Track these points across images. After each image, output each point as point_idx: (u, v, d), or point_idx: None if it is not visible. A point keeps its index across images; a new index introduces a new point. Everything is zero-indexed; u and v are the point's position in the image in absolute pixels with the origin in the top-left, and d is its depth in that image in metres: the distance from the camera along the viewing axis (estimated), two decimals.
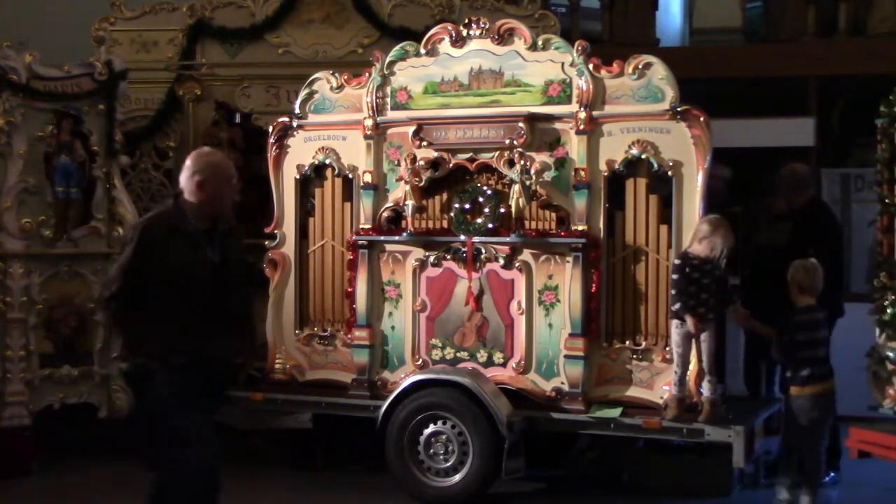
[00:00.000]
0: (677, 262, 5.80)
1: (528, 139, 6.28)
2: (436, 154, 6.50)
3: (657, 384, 6.06)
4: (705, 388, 5.82)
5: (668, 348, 6.03)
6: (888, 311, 5.66)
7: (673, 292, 5.80)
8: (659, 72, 6.12)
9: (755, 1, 9.98)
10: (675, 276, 5.78)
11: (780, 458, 6.12)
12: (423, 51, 6.61)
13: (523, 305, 6.33)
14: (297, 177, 6.92)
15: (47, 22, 9.60)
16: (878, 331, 5.77)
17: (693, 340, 5.80)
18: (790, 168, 6.98)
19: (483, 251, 6.42)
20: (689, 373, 5.90)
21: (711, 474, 6.35)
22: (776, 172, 7.06)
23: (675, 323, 5.85)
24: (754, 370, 7.02)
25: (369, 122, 6.68)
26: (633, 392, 6.13)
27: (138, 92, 8.09)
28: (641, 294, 6.15)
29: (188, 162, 4.77)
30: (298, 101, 6.93)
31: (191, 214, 4.70)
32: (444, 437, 6.24)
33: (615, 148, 6.17)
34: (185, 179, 4.73)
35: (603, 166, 6.20)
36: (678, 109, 6.03)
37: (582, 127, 6.20)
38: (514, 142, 6.28)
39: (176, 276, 4.59)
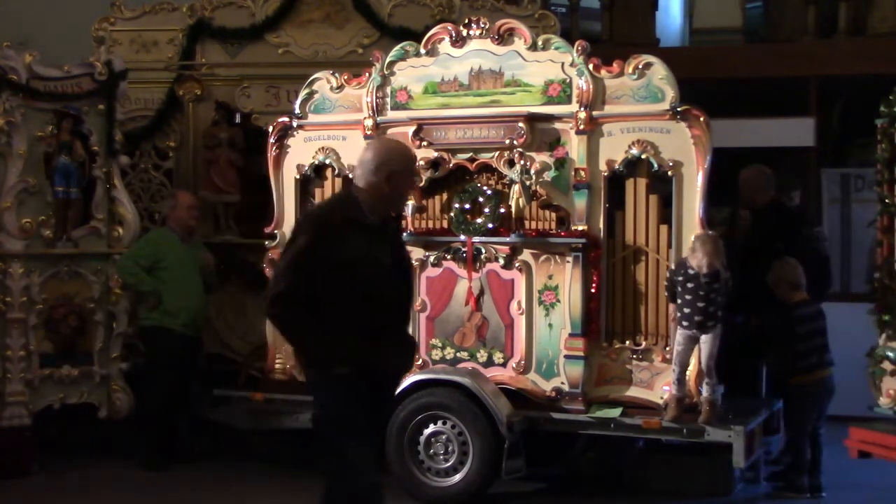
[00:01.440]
0: (670, 266, 5.94)
1: (528, 139, 6.28)
2: (436, 154, 6.50)
3: (657, 384, 6.06)
4: (704, 390, 5.83)
5: (668, 348, 6.04)
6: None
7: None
8: (659, 72, 6.12)
9: (755, 1, 9.98)
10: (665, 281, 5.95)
11: (788, 451, 6.28)
12: (423, 51, 6.61)
13: (523, 305, 6.33)
14: (297, 177, 6.92)
15: (47, 22, 9.60)
16: (878, 331, 5.78)
17: (696, 343, 5.82)
18: (751, 169, 7.01)
19: (483, 251, 6.42)
20: (688, 373, 5.91)
21: (711, 474, 6.35)
22: (777, 172, 7.08)
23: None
24: (751, 370, 7.02)
25: (369, 122, 6.68)
26: (633, 392, 6.13)
27: (138, 92, 8.08)
28: (641, 294, 6.15)
29: (371, 152, 4.27)
30: (298, 101, 6.93)
31: (366, 208, 4.20)
32: (444, 437, 6.24)
33: (615, 148, 6.17)
34: (366, 171, 4.21)
35: (603, 166, 6.20)
36: (678, 109, 6.03)
37: (582, 127, 6.20)
38: (514, 142, 6.28)
39: (351, 276, 4.09)
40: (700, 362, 5.85)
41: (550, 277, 6.29)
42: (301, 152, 6.91)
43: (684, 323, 5.83)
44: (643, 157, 6.10)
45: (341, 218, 4.17)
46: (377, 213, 4.22)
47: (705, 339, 5.80)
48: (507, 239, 6.31)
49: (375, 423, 4.37)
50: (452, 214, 6.47)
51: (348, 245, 4.09)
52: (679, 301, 5.84)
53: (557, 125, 6.29)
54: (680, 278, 5.82)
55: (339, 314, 4.09)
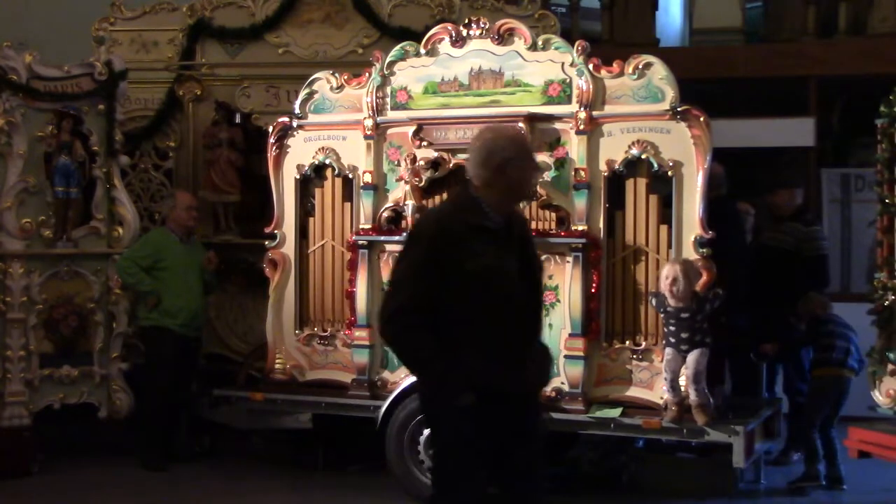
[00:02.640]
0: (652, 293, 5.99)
1: (528, 139, 6.27)
2: (436, 154, 6.50)
3: (657, 384, 6.06)
4: (693, 395, 5.80)
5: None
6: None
7: None
8: (659, 72, 6.12)
9: (755, 1, 9.98)
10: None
11: (801, 442, 6.55)
12: (423, 51, 6.61)
13: None
14: (297, 177, 6.92)
15: (47, 22, 9.60)
16: (878, 331, 5.78)
17: (683, 357, 5.85)
18: None
19: None
20: (682, 378, 5.89)
21: (711, 474, 6.35)
22: (778, 173, 7.08)
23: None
24: (751, 371, 7.02)
25: (369, 122, 6.68)
26: (633, 392, 6.13)
27: (138, 92, 8.08)
28: (641, 294, 6.14)
29: (477, 144, 3.89)
30: (298, 101, 6.93)
31: (487, 207, 3.79)
32: None
33: (615, 148, 6.17)
34: (476, 165, 3.82)
35: (603, 166, 6.19)
36: (678, 109, 6.03)
37: (582, 127, 6.20)
38: None
39: (476, 289, 3.66)
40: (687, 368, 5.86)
41: (550, 277, 6.28)
42: (301, 152, 6.91)
43: (671, 340, 5.86)
44: (643, 157, 6.09)
45: (461, 223, 3.73)
46: (501, 211, 3.80)
47: (692, 356, 5.81)
48: None
49: (510, 459, 3.87)
50: None
51: (471, 253, 3.66)
52: (664, 328, 5.90)
53: (557, 125, 6.29)
54: (661, 312, 5.89)
55: (461, 332, 3.66)
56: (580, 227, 6.18)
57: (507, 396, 3.71)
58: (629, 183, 6.18)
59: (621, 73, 6.19)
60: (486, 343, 3.68)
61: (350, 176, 6.78)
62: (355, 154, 6.76)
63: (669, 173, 6.04)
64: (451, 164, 6.48)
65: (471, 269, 3.65)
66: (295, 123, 6.91)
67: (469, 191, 3.82)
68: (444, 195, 6.54)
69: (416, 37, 6.88)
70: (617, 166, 6.16)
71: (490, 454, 3.77)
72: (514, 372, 3.73)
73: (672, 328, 5.84)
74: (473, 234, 3.70)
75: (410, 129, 6.54)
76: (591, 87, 6.20)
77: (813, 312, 6.62)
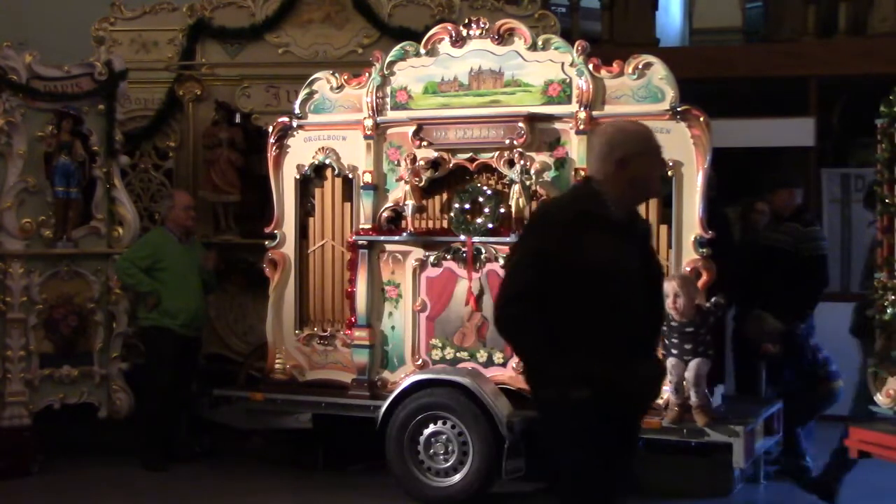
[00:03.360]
0: None
1: (528, 139, 6.28)
2: (436, 154, 6.50)
3: None
4: (693, 397, 5.79)
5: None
6: (888, 311, 5.66)
7: None
8: (659, 72, 6.12)
9: (755, 1, 9.98)
10: None
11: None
12: (423, 51, 6.61)
13: None
14: (297, 177, 6.92)
15: (47, 22, 9.60)
16: (878, 331, 5.77)
17: (685, 364, 5.83)
18: None
19: (483, 251, 6.42)
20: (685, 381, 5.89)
21: (711, 474, 6.34)
22: (776, 172, 7.07)
23: None
24: (750, 371, 7.02)
25: (369, 122, 6.68)
26: None
27: (138, 92, 8.08)
28: None
29: (600, 137, 3.75)
30: (298, 101, 6.93)
31: (609, 202, 3.62)
32: (444, 437, 6.24)
33: None
34: (598, 159, 3.67)
35: None
36: (678, 109, 6.03)
37: (582, 127, 6.20)
38: (514, 142, 6.28)
39: (593, 283, 3.49)
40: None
41: None
42: (301, 152, 6.91)
43: (674, 351, 5.82)
44: None
45: (580, 215, 3.56)
46: (622, 207, 3.62)
47: (694, 362, 5.79)
48: (507, 239, 6.31)
49: (620, 461, 3.67)
50: (452, 214, 6.47)
51: (589, 247, 3.49)
52: (666, 339, 5.83)
53: (557, 125, 6.30)
54: (665, 326, 5.73)
55: (576, 327, 3.48)
56: None
57: (619, 398, 3.51)
58: None
59: (621, 73, 6.19)
60: (599, 341, 3.49)
61: (350, 176, 6.78)
62: (355, 154, 6.76)
63: (669, 173, 6.04)
64: (451, 164, 6.49)
65: (585, 262, 3.48)
66: (295, 123, 6.91)
67: (591, 184, 3.66)
68: (445, 195, 6.55)
69: (416, 37, 6.88)
70: None
71: (609, 454, 3.57)
72: (627, 373, 3.52)
73: (675, 340, 5.81)
74: (593, 227, 3.53)
75: (410, 129, 6.54)
76: (591, 87, 6.20)
77: (759, 334, 6.65)
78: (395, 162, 6.63)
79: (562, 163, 6.28)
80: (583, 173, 6.14)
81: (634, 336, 3.58)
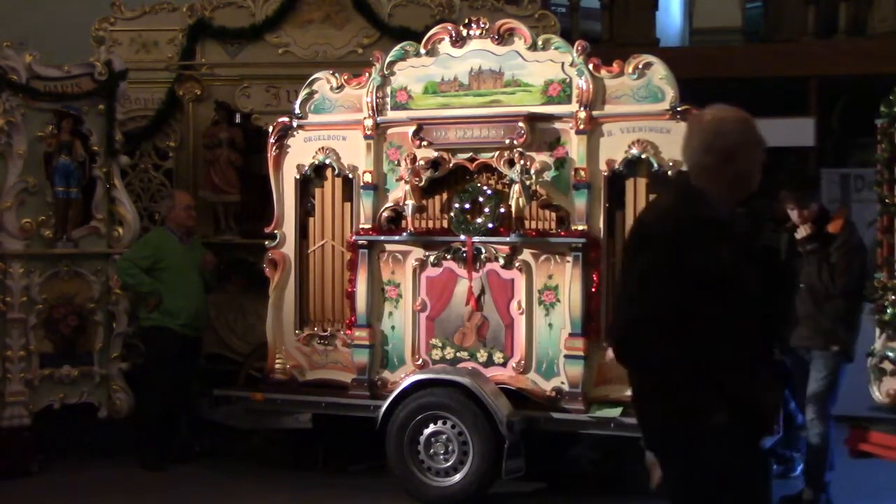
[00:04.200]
0: None
1: (528, 139, 6.28)
2: (436, 154, 6.50)
3: None
4: None
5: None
6: (888, 311, 5.66)
7: None
8: (659, 72, 6.12)
9: (755, 1, 9.99)
10: None
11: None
12: (423, 51, 6.61)
13: (523, 305, 6.33)
14: (297, 177, 6.92)
15: (47, 22, 9.60)
16: (878, 331, 5.78)
17: None
18: None
19: (483, 251, 6.42)
20: None
21: None
22: (776, 172, 7.05)
23: None
24: None
25: (369, 122, 6.68)
26: None
27: (138, 92, 8.08)
28: None
29: (696, 128, 3.40)
30: (298, 101, 6.93)
31: (714, 201, 3.26)
32: (444, 436, 6.24)
33: (615, 148, 6.18)
34: (697, 151, 3.30)
35: (603, 166, 6.20)
36: (678, 109, 6.04)
37: (582, 127, 6.20)
38: (514, 142, 6.28)
39: (720, 294, 3.15)
40: None
41: (550, 277, 6.29)
42: (301, 152, 6.90)
43: None
44: (643, 156, 6.10)
45: (692, 218, 3.19)
46: (726, 205, 3.28)
47: None
48: (507, 239, 6.31)
49: (761, 482, 3.38)
50: (452, 214, 6.47)
51: (710, 253, 3.15)
52: None
53: (557, 125, 6.30)
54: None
55: (706, 346, 3.14)
56: (580, 227, 6.18)
57: (757, 419, 3.22)
58: (629, 183, 6.19)
59: (621, 73, 6.19)
60: (731, 358, 3.17)
61: (350, 176, 6.78)
62: (355, 154, 6.76)
63: (669, 173, 6.04)
64: (451, 164, 6.49)
65: (710, 271, 3.14)
66: (295, 123, 6.91)
67: (689, 182, 3.28)
68: (445, 195, 6.55)
69: (416, 37, 6.88)
70: (617, 166, 6.17)
71: (747, 483, 3.25)
72: (764, 388, 3.25)
73: None
74: (707, 231, 3.18)
75: (410, 129, 6.54)
76: (591, 86, 6.20)
77: None
78: (395, 162, 6.63)
79: (562, 163, 6.28)
80: (583, 173, 6.17)
81: (759, 347, 3.28)
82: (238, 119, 8.25)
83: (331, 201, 6.88)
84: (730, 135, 3.27)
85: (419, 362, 6.56)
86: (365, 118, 6.69)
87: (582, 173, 6.20)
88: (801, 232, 6.13)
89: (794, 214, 6.18)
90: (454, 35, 6.54)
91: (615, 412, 6.03)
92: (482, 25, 6.49)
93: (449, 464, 6.23)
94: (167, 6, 8.32)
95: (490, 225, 6.35)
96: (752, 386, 3.18)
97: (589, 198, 6.19)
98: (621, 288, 3.37)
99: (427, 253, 6.57)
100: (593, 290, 6.16)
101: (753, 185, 3.31)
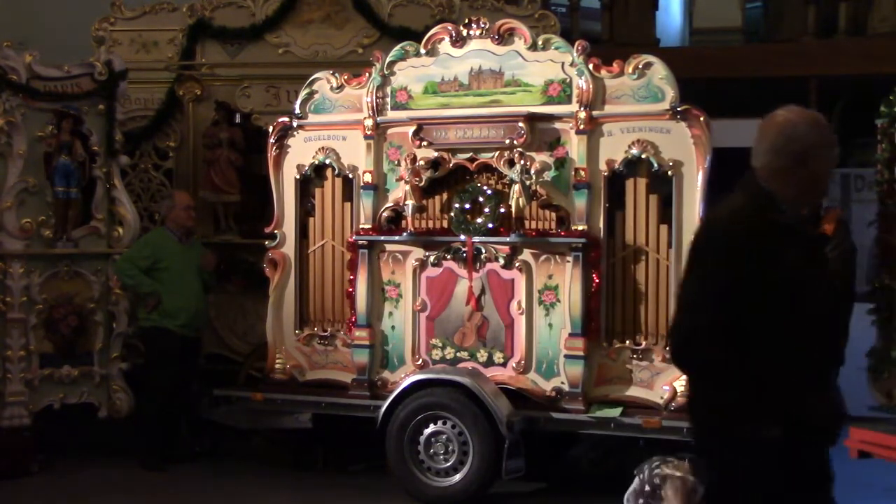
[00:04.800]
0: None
1: (528, 139, 6.28)
2: (436, 154, 6.50)
3: (657, 384, 6.07)
4: None
5: (668, 348, 6.04)
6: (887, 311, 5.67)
7: None
8: (659, 72, 6.12)
9: (755, 1, 9.98)
10: None
11: None
12: (423, 51, 6.61)
13: (523, 305, 6.33)
14: (297, 177, 6.92)
15: (47, 22, 9.60)
16: (877, 331, 5.78)
17: None
18: None
19: (483, 251, 6.42)
20: None
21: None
22: None
23: None
24: None
25: (369, 122, 6.68)
26: (634, 392, 6.14)
27: (138, 92, 8.07)
28: (641, 294, 6.15)
29: (771, 126, 3.27)
30: (298, 101, 6.93)
31: (782, 203, 3.15)
32: (444, 436, 6.24)
33: (615, 148, 6.18)
34: (768, 152, 3.19)
35: (603, 166, 6.20)
36: (678, 109, 6.04)
37: (582, 127, 6.21)
38: (514, 142, 6.28)
39: (786, 300, 3.05)
40: None
41: (550, 277, 6.29)
42: (301, 152, 6.91)
43: None
44: (643, 156, 6.10)
45: (764, 221, 3.09)
46: (795, 208, 3.18)
47: None
48: (507, 239, 6.31)
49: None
50: (452, 214, 6.47)
51: (779, 258, 3.04)
52: None
53: (557, 125, 6.30)
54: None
55: (766, 354, 3.04)
56: (580, 227, 6.19)
57: (815, 434, 3.10)
58: (629, 183, 6.19)
59: (621, 73, 6.19)
60: (793, 367, 3.05)
61: (350, 176, 6.78)
62: (355, 154, 6.77)
63: (669, 173, 6.05)
64: (451, 164, 6.49)
65: (777, 277, 3.03)
66: (295, 123, 6.91)
67: (759, 182, 3.17)
68: (445, 195, 6.55)
69: (416, 37, 6.88)
70: (617, 166, 6.17)
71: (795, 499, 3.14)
72: (824, 403, 3.11)
73: None
74: (776, 236, 3.08)
75: (410, 129, 6.55)
76: (591, 86, 6.20)
77: None
78: (395, 162, 6.63)
79: (562, 163, 6.28)
80: (583, 173, 6.18)
81: (824, 359, 3.17)
82: (238, 119, 8.25)
83: (331, 201, 6.88)
84: (801, 137, 3.17)
85: (419, 362, 6.56)
86: (365, 118, 6.69)
87: (582, 173, 6.20)
88: None
89: None
90: (454, 35, 6.54)
91: (615, 412, 6.04)
92: (482, 25, 6.49)
93: (449, 464, 6.24)
94: (167, 6, 8.31)
95: (490, 225, 6.35)
96: (815, 397, 3.07)
97: (589, 198, 6.19)
98: (683, 290, 3.26)
99: (427, 253, 6.57)
100: (593, 290, 6.16)
101: (824, 188, 3.26)
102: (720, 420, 3.13)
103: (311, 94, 6.89)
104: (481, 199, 6.40)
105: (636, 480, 4.76)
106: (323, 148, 6.84)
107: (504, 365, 6.38)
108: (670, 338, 3.29)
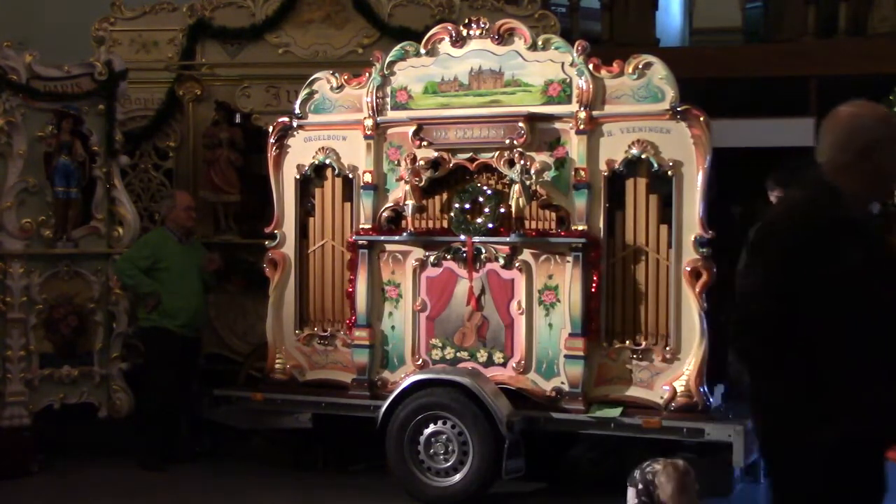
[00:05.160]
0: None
1: (528, 139, 6.28)
2: (436, 154, 6.50)
3: (657, 384, 6.07)
4: None
5: (668, 348, 6.04)
6: None
7: None
8: (659, 72, 6.12)
9: (755, 1, 9.97)
10: None
11: None
12: (423, 51, 6.61)
13: (523, 305, 6.33)
14: (297, 177, 6.92)
15: (47, 22, 9.60)
16: None
17: None
18: None
19: (483, 251, 6.42)
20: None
21: (711, 474, 6.34)
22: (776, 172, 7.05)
23: None
24: None
25: (369, 122, 6.68)
26: (633, 392, 6.14)
27: (138, 92, 8.07)
28: (641, 294, 6.15)
29: (836, 121, 3.25)
30: (298, 101, 6.93)
31: (847, 198, 3.08)
32: (444, 436, 6.24)
33: (615, 148, 6.18)
34: (832, 147, 3.14)
35: (603, 166, 6.20)
36: (678, 109, 6.04)
37: (582, 127, 6.21)
38: (514, 142, 6.28)
39: (850, 299, 2.95)
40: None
41: (550, 277, 6.29)
42: (301, 152, 6.91)
43: None
44: (643, 156, 6.10)
45: (824, 217, 3.02)
46: (861, 203, 3.13)
47: None
48: (507, 239, 6.31)
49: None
50: (452, 214, 6.47)
51: (841, 254, 2.95)
52: None
53: (557, 125, 6.30)
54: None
55: (828, 353, 2.93)
56: (580, 227, 6.18)
57: (879, 443, 3.01)
58: (629, 183, 6.19)
59: (621, 73, 6.19)
60: (856, 368, 2.95)
61: (350, 176, 6.78)
62: (355, 154, 6.76)
63: (669, 173, 6.05)
64: (451, 164, 6.49)
65: (843, 275, 2.95)
66: (295, 123, 6.91)
67: (824, 178, 3.10)
68: (445, 195, 6.55)
69: (416, 37, 6.88)
70: (617, 166, 6.17)
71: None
72: (886, 405, 2.96)
73: None
74: (839, 231, 3.00)
75: (410, 129, 6.55)
76: (591, 86, 6.20)
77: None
78: (395, 162, 6.63)
79: (562, 163, 6.28)
80: (583, 173, 6.17)
81: (888, 354, 3.00)
82: (238, 119, 8.24)
83: (331, 201, 6.88)
84: (867, 131, 3.11)
85: (419, 362, 6.56)
86: (365, 118, 6.69)
87: (582, 173, 6.20)
88: None
89: None
90: (454, 35, 6.54)
91: (615, 412, 6.04)
92: (482, 25, 6.49)
93: (449, 464, 6.23)
94: (167, 6, 8.31)
95: (490, 225, 6.35)
96: (878, 398, 2.95)
97: (589, 198, 6.19)
98: (744, 282, 3.17)
99: (427, 253, 6.57)
100: (593, 290, 6.16)
101: (892, 182, 3.19)
102: (777, 420, 3.05)
103: (311, 94, 6.89)
104: (481, 199, 6.40)
105: (630, 492, 4.71)
106: (323, 148, 6.84)
107: (504, 365, 6.38)
108: (731, 329, 3.18)
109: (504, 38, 6.43)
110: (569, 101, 6.27)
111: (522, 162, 6.20)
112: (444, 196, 6.57)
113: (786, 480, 3.08)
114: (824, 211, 3.05)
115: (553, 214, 6.31)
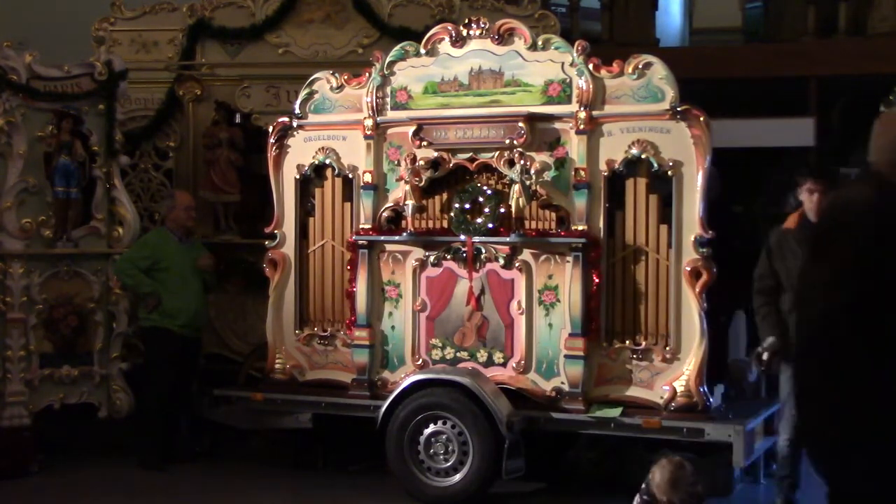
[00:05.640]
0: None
1: (528, 139, 6.28)
2: (436, 154, 6.50)
3: (657, 384, 6.07)
4: None
5: (668, 348, 6.04)
6: None
7: None
8: (659, 72, 6.12)
9: (755, 1, 9.98)
10: None
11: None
12: (423, 51, 6.61)
13: (523, 305, 6.33)
14: (297, 177, 6.92)
15: (47, 22, 9.60)
16: None
17: None
18: None
19: (483, 251, 6.42)
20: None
21: (711, 474, 6.34)
22: (777, 172, 7.07)
23: None
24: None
25: (369, 122, 6.68)
26: (633, 392, 6.13)
27: (138, 92, 8.07)
28: (641, 294, 6.15)
29: (883, 129, 3.17)
30: (298, 101, 6.93)
31: None
32: (444, 436, 6.24)
33: (615, 148, 6.18)
34: (884, 151, 3.08)
35: (603, 166, 6.20)
36: (678, 109, 6.04)
37: (582, 127, 6.20)
38: (514, 142, 6.28)
39: None
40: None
41: (550, 277, 6.29)
42: (301, 152, 6.91)
43: None
44: (643, 156, 6.10)
45: (893, 214, 2.93)
46: None
47: None
48: (507, 239, 6.31)
49: None
50: (452, 214, 6.47)
51: None
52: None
53: (557, 125, 6.30)
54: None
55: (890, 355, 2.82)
56: (580, 227, 6.18)
57: None
58: (629, 183, 6.19)
59: (621, 73, 6.19)
60: None
61: (350, 176, 6.78)
62: (355, 154, 6.76)
63: (669, 173, 6.05)
64: (451, 164, 6.49)
65: None
66: (295, 123, 6.91)
67: (885, 177, 3.03)
68: (445, 195, 6.55)
69: (416, 37, 6.88)
70: (617, 166, 6.17)
71: None
72: None
73: None
74: None
75: (410, 129, 6.54)
76: (591, 86, 6.20)
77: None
78: (395, 162, 6.63)
79: (562, 163, 6.28)
80: (583, 173, 6.17)
81: None
82: (238, 119, 8.25)
83: (331, 201, 6.88)
84: None
85: (419, 362, 6.56)
86: (365, 118, 6.69)
87: (582, 173, 6.20)
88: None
89: (813, 199, 5.99)
90: (454, 35, 6.54)
91: (615, 412, 6.03)
92: (482, 25, 6.49)
93: (449, 464, 6.23)
94: (167, 6, 8.31)
95: (490, 225, 6.35)
96: None
97: (589, 198, 6.19)
98: (810, 274, 3.07)
99: (427, 253, 6.57)
100: (593, 290, 6.16)
101: None
102: (845, 416, 2.87)
103: (311, 94, 6.89)
104: (481, 199, 6.40)
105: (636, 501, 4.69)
106: (323, 148, 6.84)
107: (504, 365, 6.38)
108: (800, 327, 3.09)
109: (504, 38, 6.43)
110: (569, 101, 6.26)
111: (522, 162, 6.20)
112: (444, 196, 6.57)
113: (850, 482, 2.90)
114: (890, 207, 2.93)
115: (553, 214, 6.31)
